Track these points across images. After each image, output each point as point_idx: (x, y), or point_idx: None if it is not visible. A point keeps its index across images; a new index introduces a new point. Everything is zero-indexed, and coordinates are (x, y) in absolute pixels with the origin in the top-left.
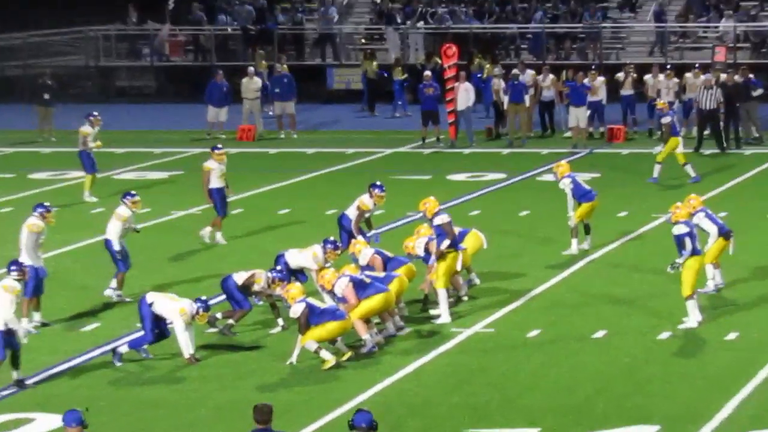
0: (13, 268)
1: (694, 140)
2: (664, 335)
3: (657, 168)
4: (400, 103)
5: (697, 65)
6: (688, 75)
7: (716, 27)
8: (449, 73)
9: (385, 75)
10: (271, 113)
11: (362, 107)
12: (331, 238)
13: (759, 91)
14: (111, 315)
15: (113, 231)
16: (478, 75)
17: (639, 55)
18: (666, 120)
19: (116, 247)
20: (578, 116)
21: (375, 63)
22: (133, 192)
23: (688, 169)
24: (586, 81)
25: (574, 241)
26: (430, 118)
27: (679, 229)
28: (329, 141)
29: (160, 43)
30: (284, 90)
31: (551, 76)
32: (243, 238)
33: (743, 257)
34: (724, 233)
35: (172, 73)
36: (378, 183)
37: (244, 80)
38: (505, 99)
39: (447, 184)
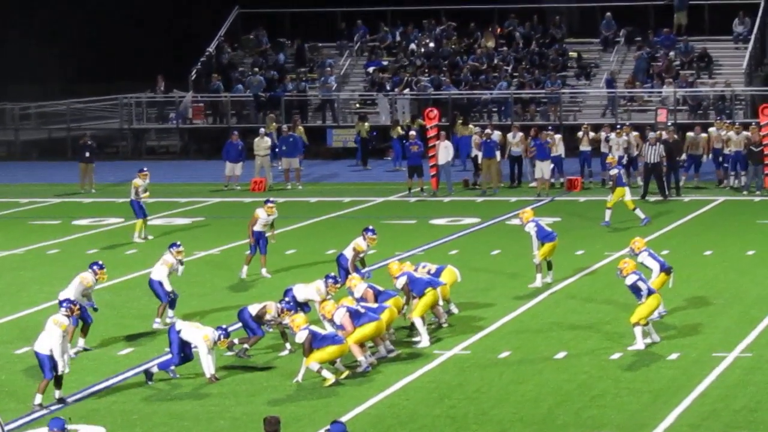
0: (65, 304)
1: (640, 189)
2: (616, 355)
3: (608, 213)
4: (389, 158)
5: (618, 125)
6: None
7: (659, 92)
8: (431, 133)
9: (374, 134)
10: (279, 168)
11: (357, 162)
12: (332, 274)
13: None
14: (143, 341)
15: (160, 273)
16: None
17: (593, 117)
18: (613, 172)
19: (167, 287)
20: (543, 169)
21: (367, 125)
22: (178, 243)
23: (638, 212)
24: (548, 139)
25: (538, 276)
26: (416, 171)
27: (631, 279)
28: (329, 191)
29: (184, 108)
30: (290, 148)
31: (520, 134)
32: (256, 274)
33: (683, 289)
34: (665, 269)
35: (194, 133)
36: (370, 227)
37: (256, 140)
38: (479, 155)
39: (430, 228)
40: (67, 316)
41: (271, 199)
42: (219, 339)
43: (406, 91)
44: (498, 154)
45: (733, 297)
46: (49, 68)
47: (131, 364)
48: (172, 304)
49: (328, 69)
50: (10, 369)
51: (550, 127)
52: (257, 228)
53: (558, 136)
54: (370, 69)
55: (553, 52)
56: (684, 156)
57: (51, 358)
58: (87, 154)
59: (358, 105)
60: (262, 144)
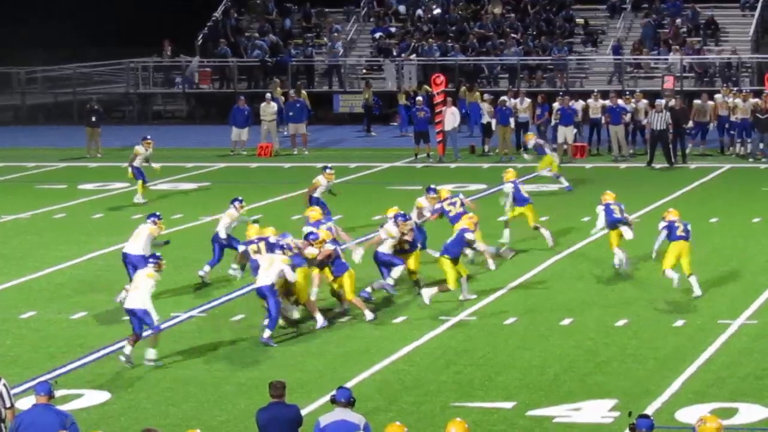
0: (152, 260)
1: (646, 156)
2: (621, 322)
3: (562, 180)
4: (396, 124)
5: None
6: (589, 100)
7: (666, 59)
8: (438, 99)
9: (379, 102)
10: (285, 133)
11: (363, 128)
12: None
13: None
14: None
15: (222, 226)
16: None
17: (599, 83)
18: (531, 143)
19: (222, 236)
20: (566, 134)
21: (371, 90)
22: (241, 198)
23: (562, 180)
24: (571, 104)
25: (506, 231)
26: (422, 137)
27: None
28: (335, 157)
29: (191, 73)
30: (297, 113)
31: (527, 100)
32: None
33: (691, 256)
34: (610, 223)
35: (200, 98)
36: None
37: (263, 105)
38: (493, 122)
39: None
40: (156, 271)
41: (330, 165)
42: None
43: (413, 57)
44: (512, 121)
45: (739, 264)
46: (55, 32)
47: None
48: (219, 260)
49: (335, 34)
50: (15, 334)
51: (561, 93)
52: (317, 195)
53: (581, 102)
54: (377, 35)
55: (560, 19)
56: (690, 123)
57: (146, 312)
58: (93, 119)
59: (364, 71)
60: (269, 109)
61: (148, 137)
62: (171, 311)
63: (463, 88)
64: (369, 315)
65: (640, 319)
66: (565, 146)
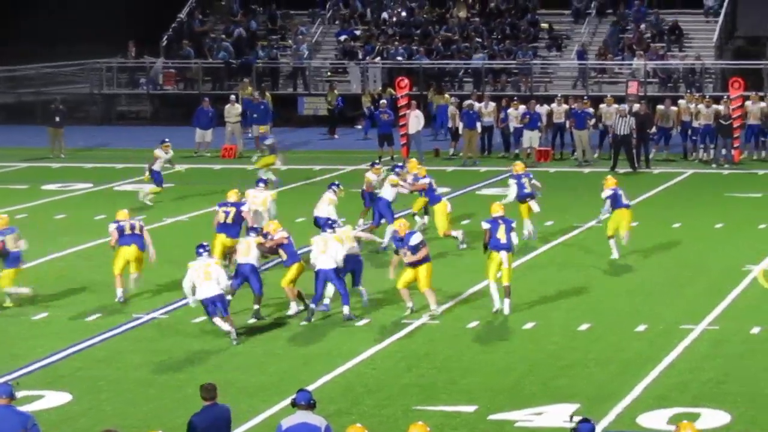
0: (329, 221)
1: (609, 161)
2: (584, 326)
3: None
4: (360, 126)
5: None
6: (602, 105)
7: (630, 64)
8: (402, 102)
9: (341, 105)
10: (250, 135)
11: (328, 131)
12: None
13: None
14: (112, 307)
15: (328, 211)
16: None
17: (564, 88)
18: (268, 141)
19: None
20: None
21: (335, 92)
22: (338, 182)
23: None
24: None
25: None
26: (386, 140)
27: (605, 194)
28: (300, 159)
29: (155, 74)
30: (261, 115)
31: (492, 104)
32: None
33: (651, 261)
34: (520, 197)
35: (165, 99)
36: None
37: (227, 106)
38: (460, 125)
39: (401, 197)
40: (333, 230)
41: (377, 161)
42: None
43: (378, 59)
44: (478, 125)
45: (701, 269)
46: (17, 32)
47: (99, 330)
48: None
49: (300, 37)
50: None
51: (515, 98)
52: (369, 190)
53: (545, 107)
54: (342, 38)
55: (525, 23)
56: (654, 129)
57: (335, 270)
58: (57, 119)
59: (329, 73)
60: (233, 111)
61: (167, 140)
62: (132, 312)
63: (431, 90)
64: (293, 308)
65: (603, 324)
66: (529, 150)
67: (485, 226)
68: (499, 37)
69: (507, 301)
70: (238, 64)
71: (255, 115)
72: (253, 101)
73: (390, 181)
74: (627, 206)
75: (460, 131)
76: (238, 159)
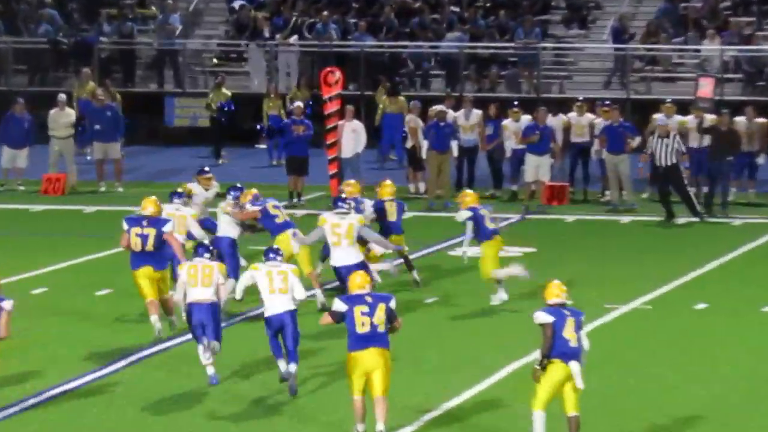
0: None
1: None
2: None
3: None
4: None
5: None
6: (657, 116)
7: (697, 50)
8: (331, 107)
9: (229, 109)
10: (89, 158)
11: (212, 152)
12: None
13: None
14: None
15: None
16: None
17: (591, 88)
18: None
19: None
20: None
21: (225, 91)
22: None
23: None
24: (549, 120)
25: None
26: (299, 167)
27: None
28: (167, 198)
29: None
30: (108, 126)
31: (476, 112)
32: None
33: (730, 371)
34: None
35: None
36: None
37: (53, 112)
38: (425, 145)
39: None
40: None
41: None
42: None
43: (293, 39)
44: (454, 145)
45: None
46: None
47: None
48: None
49: (170, 2)
50: None
51: (515, 102)
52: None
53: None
54: (236, 4)
55: None
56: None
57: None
58: None
59: (216, 60)
60: (62, 119)
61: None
62: None
63: (379, 90)
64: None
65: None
66: (534, 186)
67: (543, 319)
68: (488, 5)
69: None
70: (70, 44)
71: (97, 127)
72: (95, 104)
73: (221, 209)
74: (495, 232)
75: (424, 155)
76: (68, 197)
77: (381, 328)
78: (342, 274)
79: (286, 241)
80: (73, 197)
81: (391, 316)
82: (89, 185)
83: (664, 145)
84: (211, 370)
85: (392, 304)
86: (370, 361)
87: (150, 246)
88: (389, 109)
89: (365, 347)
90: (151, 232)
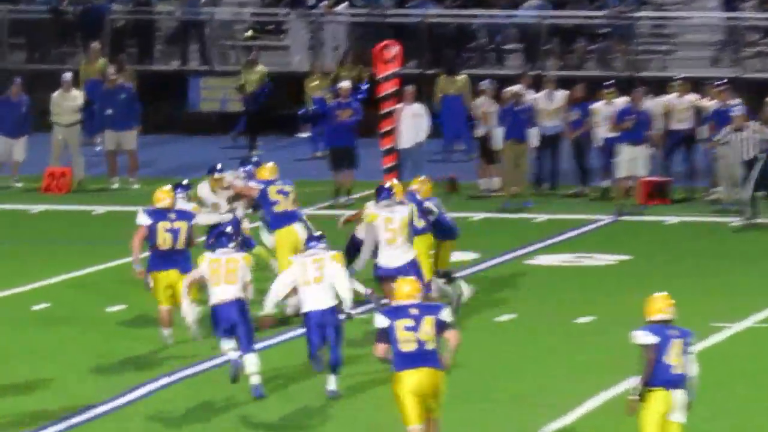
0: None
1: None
2: None
3: None
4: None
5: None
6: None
7: None
8: (386, 88)
9: (269, 94)
10: (98, 148)
11: (232, 136)
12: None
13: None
14: None
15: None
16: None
17: (695, 65)
18: None
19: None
20: (635, 160)
21: (259, 69)
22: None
23: None
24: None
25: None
26: (346, 159)
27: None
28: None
29: None
30: (121, 112)
31: (559, 93)
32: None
33: None
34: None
35: None
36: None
37: (56, 95)
38: (498, 133)
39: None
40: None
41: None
42: None
43: (342, 7)
44: (533, 133)
45: None
46: None
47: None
48: None
49: None
50: None
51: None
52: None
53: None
54: None
55: None
56: None
57: None
58: None
59: (249, 33)
60: (67, 103)
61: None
62: None
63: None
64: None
65: None
66: (630, 182)
67: (645, 339)
68: None
69: None
70: (77, 14)
71: (109, 112)
72: (106, 85)
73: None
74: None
75: (498, 145)
76: (74, 195)
77: (429, 345)
78: (392, 276)
79: (288, 237)
80: (79, 195)
81: (442, 328)
82: (99, 181)
83: (738, 138)
84: (256, 380)
85: (443, 315)
86: (419, 383)
87: (181, 243)
88: (447, 90)
89: (414, 367)
90: (183, 226)
